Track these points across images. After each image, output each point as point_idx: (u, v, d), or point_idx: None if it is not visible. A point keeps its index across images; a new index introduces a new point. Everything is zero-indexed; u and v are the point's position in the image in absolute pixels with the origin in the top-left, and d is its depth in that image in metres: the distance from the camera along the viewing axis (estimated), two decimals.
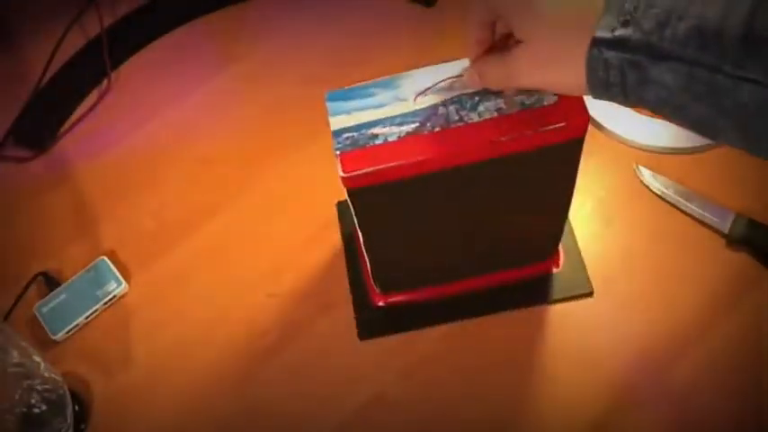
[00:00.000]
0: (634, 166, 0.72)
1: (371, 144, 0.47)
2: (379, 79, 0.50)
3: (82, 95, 0.87)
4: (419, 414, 0.63)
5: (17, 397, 0.58)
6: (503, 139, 0.47)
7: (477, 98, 0.48)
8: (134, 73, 0.88)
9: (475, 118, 0.47)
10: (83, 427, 0.65)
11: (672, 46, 0.37)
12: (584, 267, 0.67)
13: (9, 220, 0.78)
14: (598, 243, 0.69)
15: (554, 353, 0.64)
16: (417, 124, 0.48)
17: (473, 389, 0.63)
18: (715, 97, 0.37)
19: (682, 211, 0.69)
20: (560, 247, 0.67)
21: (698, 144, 0.72)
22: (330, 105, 0.50)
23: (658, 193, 0.70)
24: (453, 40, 0.83)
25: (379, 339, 0.67)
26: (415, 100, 0.49)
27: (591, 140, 0.74)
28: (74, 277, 0.72)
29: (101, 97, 0.86)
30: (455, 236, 0.58)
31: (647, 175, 0.71)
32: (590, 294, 0.66)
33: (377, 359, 0.66)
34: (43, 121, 0.86)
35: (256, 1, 0.91)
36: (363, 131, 0.48)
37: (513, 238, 0.61)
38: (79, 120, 0.85)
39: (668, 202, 0.70)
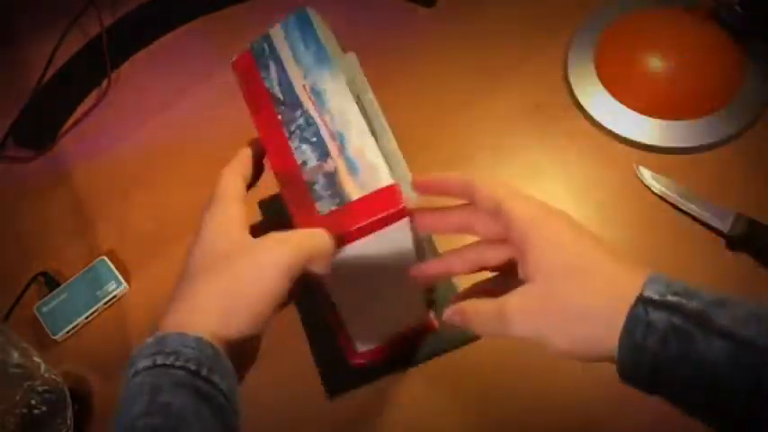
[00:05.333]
0: (634, 167, 0.72)
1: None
2: None
3: (82, 95, 0.87)
4: None
5: (17, 398, 0.58)
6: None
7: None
8: (134, 73, 0.88)
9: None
10: (83, 427, 0.65)
11: (730, 323, 0.34)
12: None
13: (9, 220, 0.78)
14: None
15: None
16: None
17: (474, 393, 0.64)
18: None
19: (682, 212, 0.69)
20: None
21: (698, 144, 0.72)
22: None
23: (659, 193, 0.70)
24: (453, 41, 0.83)
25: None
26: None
27: (591, 141, 0.75)
28: (74, 277, 0.72)
29: (101, 97, 0.86)
30: None
31: (647, 175, 0.71)
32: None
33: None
34: (43, 121, 0.86)
35: (256, 1, 0.91)
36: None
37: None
38: (79, 120, 0.85)
39: (669, 203, 0.70)
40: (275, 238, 0.43)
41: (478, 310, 0.42)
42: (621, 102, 0.75)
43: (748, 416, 0.34)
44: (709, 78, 0.75)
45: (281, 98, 0.49)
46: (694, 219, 0.68)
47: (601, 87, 0.76)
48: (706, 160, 0.72)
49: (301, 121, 0.47)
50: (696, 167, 0.71)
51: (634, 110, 0.74)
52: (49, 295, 0.71)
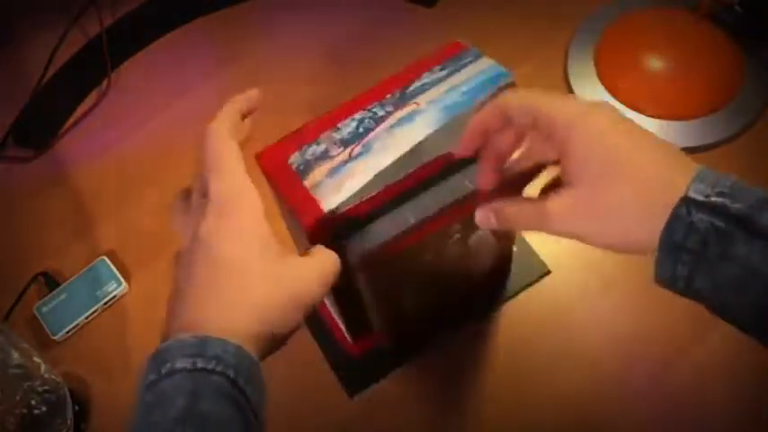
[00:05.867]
0: None
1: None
2: None
3: (82, 95, 0.87)
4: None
5: (17, 398, 0.58)
6: None
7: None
8: (134, 73, 0.88)
9: None
10: (83, 427, 0.65)
11: None
12: (533, 251, 0.67)
13: (9, 220, 0.78)
14: None
15: (554, 353, 0.64)
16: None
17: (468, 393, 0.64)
18: None
19: None
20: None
21: (697, 144, 0.72)
22: None
23: None
24: (453, 41, 0.83)
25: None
26: None
27: None
28: (74, 277, 0.72)
29: (101, 97, 0.86)
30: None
31: None
32: (548, 273, 0.67)
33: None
34: (43, 121, 0.86)
35: (256, 1, 0.91)
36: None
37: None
38: (79, 120, 0.85)
39: None
40: (308, 266, 0.43)
41: (518, 210, 0.42)
42: (622, 102, 0.75)
43: None
44: (708, 78, 0.75)
45: (405, 90, 0.50)
46: None
47: (601, 87, 0.76)
48: (705, 160, 0.71)
49: (378, 112, 0.48)
50: None
51: (634, 110, 0.74)
52: (49, 295, 0.71)
